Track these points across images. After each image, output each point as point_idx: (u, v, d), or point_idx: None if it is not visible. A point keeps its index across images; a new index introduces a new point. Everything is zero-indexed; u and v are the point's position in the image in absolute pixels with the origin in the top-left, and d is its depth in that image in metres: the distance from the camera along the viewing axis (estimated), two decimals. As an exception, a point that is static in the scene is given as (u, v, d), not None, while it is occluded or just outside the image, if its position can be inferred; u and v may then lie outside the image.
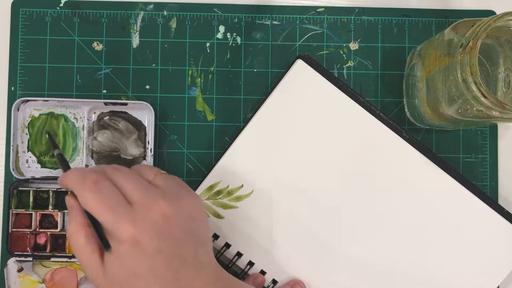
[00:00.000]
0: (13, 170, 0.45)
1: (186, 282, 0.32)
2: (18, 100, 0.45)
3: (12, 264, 0.45)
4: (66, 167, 0.36)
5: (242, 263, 0.44)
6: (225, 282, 0.35)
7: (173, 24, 0.48)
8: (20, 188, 0.45)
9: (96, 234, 0.33)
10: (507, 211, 0.44)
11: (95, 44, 0.48)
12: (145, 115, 0.47)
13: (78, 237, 0.33)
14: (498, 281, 0.44)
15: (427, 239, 0.44)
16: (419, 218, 0.44)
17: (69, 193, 0.35)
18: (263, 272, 0.44)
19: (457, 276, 0.44)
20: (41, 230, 0.45)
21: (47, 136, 0.45)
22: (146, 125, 0.47)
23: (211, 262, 0.35)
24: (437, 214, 0.44)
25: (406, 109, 0.47)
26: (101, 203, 0.32)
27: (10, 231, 0.45)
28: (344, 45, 0.48)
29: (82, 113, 0.46)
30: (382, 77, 0.48)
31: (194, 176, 0.47)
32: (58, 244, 0.45)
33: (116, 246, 0.32)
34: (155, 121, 0.46)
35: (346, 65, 0.48)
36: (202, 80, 0.48)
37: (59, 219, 0.45)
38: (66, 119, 0.47)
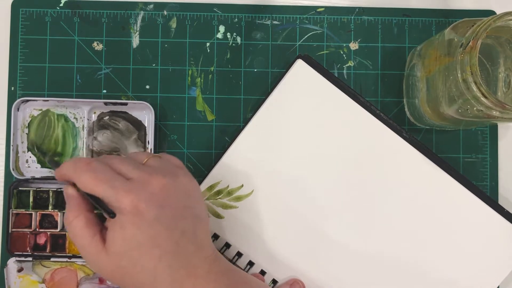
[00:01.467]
0: (13, 170, 0.45)
1: (186, 256, 0.33)
2: (18, 100, 0.45)
3: (12, 264, 0.45)
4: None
5: (242, 263, 0.44)
6: (223, 263, 0.36)
7: (173, 24, 0.48)
8: (20, 188, 0.45)
9: (99, 207, 0.33)
10: (507, 211, 0.44)
11: (95, 44, 0.48)
12: (145, 115, 0.47)
13: (78, 222, 0.34)
14: (498, 281, 0.44)
15: (427, 238, 0.44)
16: (419, 218, 0.44)
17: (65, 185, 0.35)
18: (263, 272, 0.44)
19: (457, 276, 0.44)
20: (41, 230, 0.45)
21: (35, 149, 0.46)
22: (146, 125, 0.47)
23: (209, 241, 0.36)
24: (437, 214, 0.44)
25: (406, 109, 0.47)
26: (98, 180, 0.33)
27: (10, 231, 0.45)
28: (344, 45, 0.48)
29: (82, 113, 0.46)
30: (382, 77, 0.48)
31: (194, 176, 0.47)
32: (58, 244, 0.45)
33: (118, 217, 0.33)
34: (155, 121, 0.46)
35: (346, 65, 0.48)
36: (202, 80, 0.48)
37: (59, 219, 0.45)
38: (66, 119, 0.47)
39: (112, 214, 0.33)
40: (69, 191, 0.35)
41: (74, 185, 0.35)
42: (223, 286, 0.34)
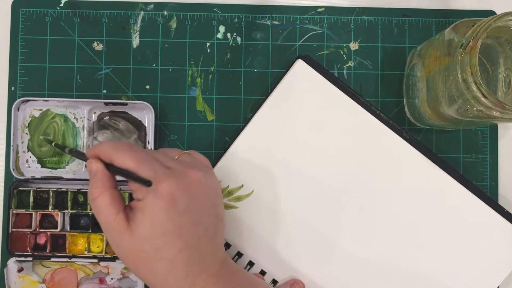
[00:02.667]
0: (13, 170, 0.45)
1: (203, 253, 0.34)
2: (18, 100, 0.45)
3: (12, 264, 0.45)
4: (84, 156, 0.37)
5: (242, 263, 0.44)
6: (232, 265, 0.37)
7: (173, 24, 0.48)
8: (20, 188, 0.45)
9: (134, 179, 0.33)
10: (507, 211, 0.44)
11: (95, 44, 0.48)
12: (145, 115, 0.47)
13: (103, 198, 0.33)
14: (499, 281, 0.44)
15: (427, 239, 0.44)
16: (419, 218, 0.44)
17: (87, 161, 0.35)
18: (263, 272, 0.44)
19: (457, 276, 0.44)
20: (41, 230, 0.45)
21: (48, 143, 0.46)
22: (146, 125, 0.47)
23: (223, 242, 0.37)
24: (437, 214, 0.44)
25: (406, 109, 0.47)
26: (139, 160, 0.33)
27: (10, 231, 0.45)
28: (344, 45, 0.48)
29: (82, 113, 0.46)
30: (382, 77, 0.48)
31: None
32: (58, 244, 0.45)
33: (151, 199, 0.32)
34: (155, 121, 0.46)
35: (346, 65, 0.48)
36: (202, 80, 0.48)
37: (59, 219, 0.45)
38: (66, 119, 0.47)
39: (149, 183, 0.32)
40: (95, 166, 0.34)
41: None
42: (230, 286, 0.35)
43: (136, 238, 0.32)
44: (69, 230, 0.45)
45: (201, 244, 0.34)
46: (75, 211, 0.45)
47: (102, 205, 0.33)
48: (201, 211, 0.34)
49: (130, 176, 0.33)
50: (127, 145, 0.34)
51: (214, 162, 0.45)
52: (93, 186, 0.34)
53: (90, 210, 0.45)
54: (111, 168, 0.34)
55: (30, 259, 0.45)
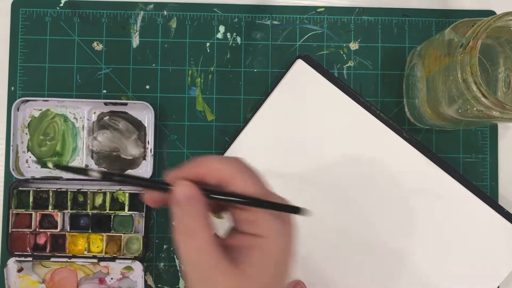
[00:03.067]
0: (13, 170, 0.45)
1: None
2: (18, 100, 0.45)
3: (12, 264, 0.45)
4: (80, 170, 0.28)
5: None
6: None
7: (173, 24, 0.48)
8: (20, 188, 0.45)
9: (273, 207, 0.26)
10: (507, 211, 0.44)
11: (95, 44, 0.48)
12: (145, 115, 0.47)
13: (203, 241, 0.26)
14: (499, 281, 0.44)
15: (427, 239, 0.44)
16: (418, 218, 0.44)
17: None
18: (263, 272, 0.44)
19: (457, 276, 0.44)
20: (41, 230, 0.45)
21: (55, 167, 0.38)
22: (146, 125, 0.47)
23: None
24: (437, 214, 0.44)
25: (406, 109, 0.47)
26: (261, 183, 0.27)
27: (10, 231, 0.45)
28: (344, 45, 0.48)
29: (82, 113, 0.46)
30: (382, 77, 0.48)
31: (194, 176, 0.47)
32: (58, 244, 0.45)
33: (277, 238, 0.26)
34: (155, 121, 0.46)
35: (346, 65, 0.48)
36: (202, 80, 0.48)
37: (59, 219, 0.45)
38: (66, 119, 0.47)
39: (303, 211, 0.26)
40: (191, 191, 0.26)
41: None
42: None
43: (246, 281, 0.25)
44: (69, 230, 0.45)
45: (288, 269, 0.28)
46: (75, 211, 0.45)
47: (199, 257, 0.25)
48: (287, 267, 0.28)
49: (270, 205, 0.26)
50: (239, 161, 0.28)
51: (214, 162, 0.45)
52: (180, 231, 0.26)
53: (90, 210, 0.45)
54: (212, 194, 0.26)
55: (30, 259, 0.45)
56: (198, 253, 0.25)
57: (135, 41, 0.48)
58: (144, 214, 0.45)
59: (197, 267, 0.26)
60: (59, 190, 0.45)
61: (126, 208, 0.45)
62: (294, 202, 0.44)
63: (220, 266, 0.25)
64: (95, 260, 0.45)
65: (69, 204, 0.45)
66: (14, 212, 0.45)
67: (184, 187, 0.26)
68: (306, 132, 0.44)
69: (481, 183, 0.47)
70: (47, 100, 0.46)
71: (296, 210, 0.26)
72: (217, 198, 0.26)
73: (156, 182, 0.28)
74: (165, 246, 0.47)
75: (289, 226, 0.27)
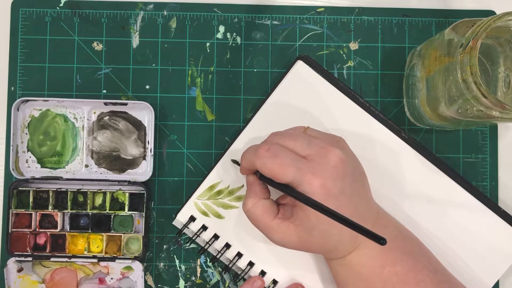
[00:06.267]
0: (13, 170, 0.45)
1: (360, 214, 0.37)
2: (18, 100, 0.45)
3: (12, 264, 0.45)
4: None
5: (242, 263, 0.44)
6: (385, 216, 0.40)
7: (173, 24, 0.48)
8: (20, 188, 0.45)
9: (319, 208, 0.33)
10: (506, 212, 0.44)
11: (95, 44, 0.48)
12: (145, 115, 0.47)
13: (255, 209, 0.37)
14: (495, 280, 0.44)
15: (426, 239, 0.44)
16: (417, 218, 0.44)
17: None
18: (263, 272, 0.44)
19: (456, 276, 0.44)
20: (41, 230, 0.45)
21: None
22: (146, 125, 0.47)
23: (371, 194, 0.39)
24: (435, 215, 0.44)
25: (406, 109, 0.47)
26: (283, 165, 0.35)
27: (10, 231, 0.45)
28: (344, 45, 0.48)
29: (82, 113, 0.46)
30: (382, 77, 0.48)
31: (194, 176, 0.47)
32: (58, 244, 0.45)
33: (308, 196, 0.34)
34: (155, 121, 0.46)
35: (346, 65, 0.48)
36: (202, 80, 0.48)
37: (59, 219, 0.45)
38: (66, 119, 0.47)
39: (383, 241, 0.30)
40: (250, 179, 0.39)
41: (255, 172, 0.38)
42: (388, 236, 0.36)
43: (302, 230, 0.36)
44: (68, 230, 0.45)
45: (358, 208, 0.36)
46: (74, 211, 0.45)
47: (256, 215, 0.37)
48: (352, 182, 0.36)
49: (286, 190, 0.35)
50: (264, 151, 0.36)
51: (214, 162, 0.45)
52: (247, 196, 0.38)
53: (90, 210, 0.45)
54: (262, 179, 0.37)
55: (30, 259, 0.45)
56: (262, 209, 0.37)
57: (135, 41, 0.48)
58: (144, 214, 0.45)
59: (259, 220, 0.38)
60: (59, 190, 0.45)
61: (126, 208, 0.45)
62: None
63: (279, 227, 0.37)
64: (95, 260, 0.45)
65: (69, 204, 0.45)
66: (14, 212, 0.45)
67: (248, 176, 0.40)
68: (306, 132, 0.44)
69: (481, 183, 0.47)
70: (47, 100, 0.46)
71: (377, 238, 0.30)
72: (268, 182, 0.37)
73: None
74: (165, 246, 0.47)
75: (311, 190, 0.34)
